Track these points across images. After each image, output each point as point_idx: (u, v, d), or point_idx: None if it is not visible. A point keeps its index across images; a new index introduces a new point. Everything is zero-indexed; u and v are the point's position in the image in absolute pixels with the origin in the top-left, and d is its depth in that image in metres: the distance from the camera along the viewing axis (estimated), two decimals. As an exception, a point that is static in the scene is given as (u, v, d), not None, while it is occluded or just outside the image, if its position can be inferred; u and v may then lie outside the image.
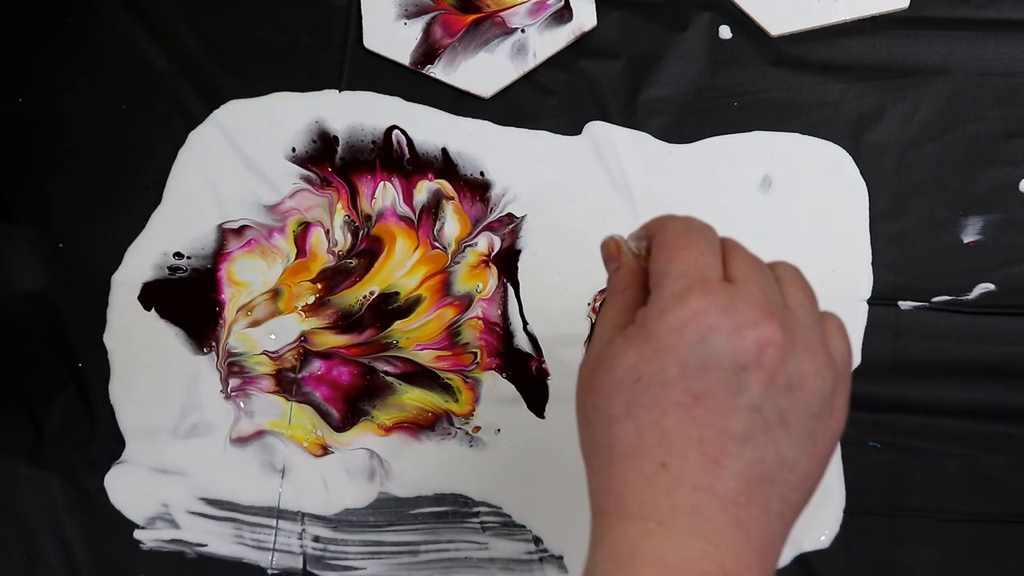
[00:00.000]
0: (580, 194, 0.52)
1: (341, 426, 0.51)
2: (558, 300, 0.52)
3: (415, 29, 0.53)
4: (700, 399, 0.31)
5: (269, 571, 0.51)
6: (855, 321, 0.50)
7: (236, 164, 0.53)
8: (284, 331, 0.52)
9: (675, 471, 0.31)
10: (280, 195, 0.53)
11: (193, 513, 0.51)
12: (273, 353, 0.52)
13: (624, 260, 0.36)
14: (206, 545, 0.51)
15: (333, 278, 0.52)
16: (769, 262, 0.35)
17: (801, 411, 0.32)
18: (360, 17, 0.54)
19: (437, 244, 0.52)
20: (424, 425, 0.51)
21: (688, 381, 0.31)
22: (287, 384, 0.52)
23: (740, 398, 0.31)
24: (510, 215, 0.52)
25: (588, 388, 0.33)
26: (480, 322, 0.52)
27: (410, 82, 0.53)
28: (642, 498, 0.31)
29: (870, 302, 0.51)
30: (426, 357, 0.52)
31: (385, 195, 0.53)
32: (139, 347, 0.52)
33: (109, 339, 0.52)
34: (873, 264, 0.51)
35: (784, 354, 0.31)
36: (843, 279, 0.51)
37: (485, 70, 0.53)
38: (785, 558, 0.49)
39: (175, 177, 0.53)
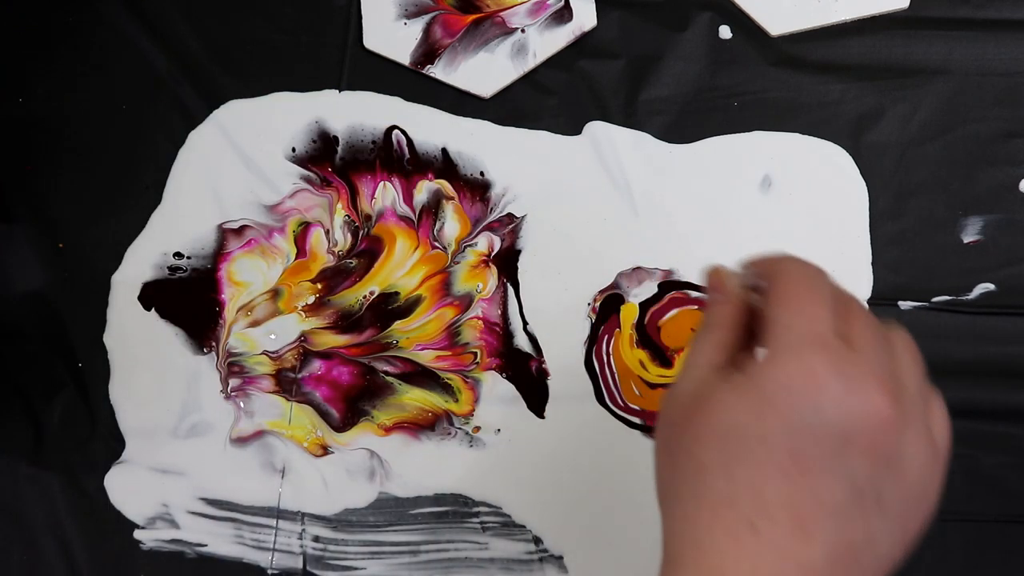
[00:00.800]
0: (580, 194, 0.52)
1: (341, 426, 0.51)
2: (558, 300, 0.52)
3: (415, 29, 0.53)
4: (801, 464, 0.29)
5: (269, 571, 0.51)
6: (855, 321, 0.50)
7: (236, 164, 0.53)
8: (284, 331, 0.52)
9: (764, 534, 0.29)
10: (280, 195, 0.53)
11: (193, 513, 0.51)
12: (273, 353, 0.52)
13: (729, 295, 0.34)
14: (206, 545, 0.51)
15: (333, 278, 0.52)
16: (885, 325, 0.33)
17: (900, 494, 0.30)
18: (360, 17, 0.54)
19: (437, 244, 0.52)
20: (424, 425, 0.51)
21: (792, 444, 0.29)
22: (287, 384, 0.52)
23: (841, 470, 0.29)
24: (510, 215, 0.52)
25: (682, 430, 0.31)
26: (480, 322, 0.52)
27: (410, 82, 0.53)
28: (724, 555, 0.29)
29: (870, 302, 0.51)
30: (426, 357, 0.52)
31: (385, 195, 0.53)
32: (139, 347, 0.52)
33: (109, 339, 0.52)
34: (873, 264, 0.51)
35: (894, 433, 0.30)
36: (843, 279, 0.50)
37: (485, 70, 0.53)
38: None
39: (175, 177, 0.53)
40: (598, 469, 0.49)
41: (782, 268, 0.33)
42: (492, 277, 0.52)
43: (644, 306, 0.51)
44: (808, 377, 0.29)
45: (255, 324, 0.52)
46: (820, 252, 0.51)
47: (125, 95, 0.54)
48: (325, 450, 0.51)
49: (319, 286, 0.52)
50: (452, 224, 0.52)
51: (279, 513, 0.51)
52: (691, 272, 0.52)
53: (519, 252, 0.52)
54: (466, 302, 0.52)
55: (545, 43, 0.53)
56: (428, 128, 0.53)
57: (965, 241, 0.51)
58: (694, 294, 0.51)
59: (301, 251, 0.53)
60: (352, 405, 0.52)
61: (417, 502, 0.51)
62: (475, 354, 0.52)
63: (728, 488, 0.30)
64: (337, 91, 0.53)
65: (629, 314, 0.51)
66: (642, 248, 0.52)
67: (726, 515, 0.30)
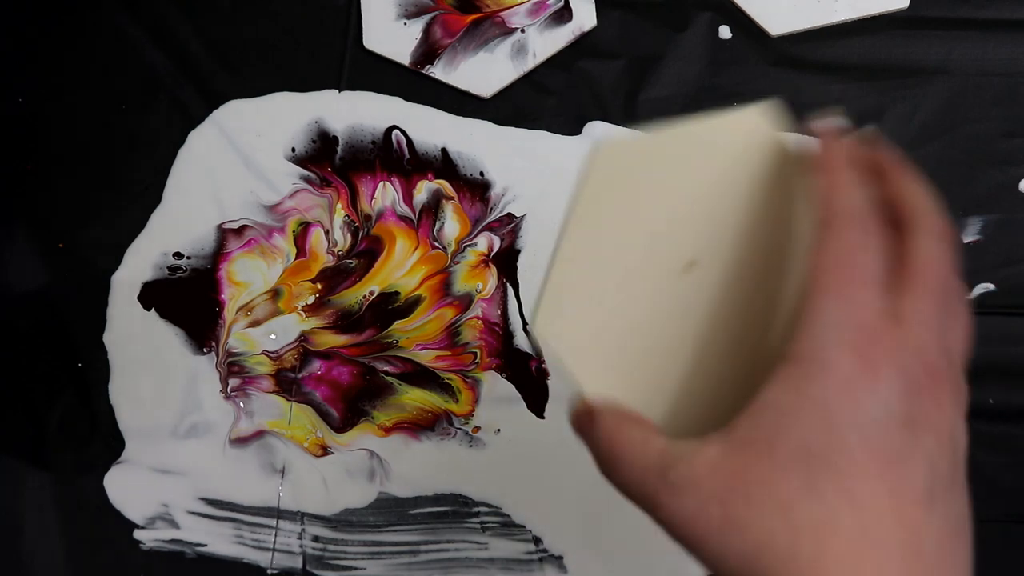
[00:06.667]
0: (580, 194, 0.52)
1: (341, 426, 0.51)
2: (558, 300, 0.52)
3: (415, 29, 0.53)
4: (884, 459, 0.28)
5: (269, 571, 0.51)
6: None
7: (236, 164, 0.53)
8: (284, 331, 0.52)
9: (876, 539, 0.27)
10: (280, 195, 0.53)
11: (193, 513, 0.51)
12: (273, 353, 0.52)
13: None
14: (206, 545, 0.51)
15: (333, 278, 0.52)
16: (950, 285, 0.31)
17: (963, 470, 0.29)
18: (360, 17, 0.54)
19: (437, 244, 0.52)
20: (424, 425, 0.51)
21: (869, 442, 0.27)
22: (287, 384, 0.52)
23: (917, 454, 0.28)
24: (510, 215, 0.52)
25: (742, 471, 0.28)
26: (480, 322, 0.52)
27: (410, 82, 0.53)
28: (844, 569, 0.27)
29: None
30: (426, 357, 0.52)
31: (385, 195, 0.53)
32: (139, 347, 0.52)
33: (109, 339, 0.52)
34: (873, 264, 0.51)
35: (951, 412, 0.29)
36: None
37: (485, 70, 0.53)
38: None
39: (175, 177, 0.53)
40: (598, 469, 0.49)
41: (829, 225, 0.30)
42: (492, 277, 0.52)
43: (644, 306, 0.51)
44: (862, 372, 0.28)
45: (255, 324, 0.52)
46: (820, 252, 0.51)
47: (125, 95, 0.54)
48: (325, 450, 0.51)
49: (319, 286, 0.52)
50: (452, 224, 0.52)
51: (279, 513, 0.51)
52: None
53: (519, 252, 0.52)
54: (466, 302, 0.52)
55: (545, 43, 0.53)
56: (428, 128, 0.53)
57: (965, 241, 0.51)
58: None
59: (301, 251, 0.53)
60: (352, 405, 0.52)
61: (417, 502, 0.51)
62: (475, 354, 0.52)
63: (824, 510, 0.28)
64: (337, 91, 0.53)
65: (629, 314, 0.51)
66: (642, 248, 0.52)
67: (831, 538, 0.27)
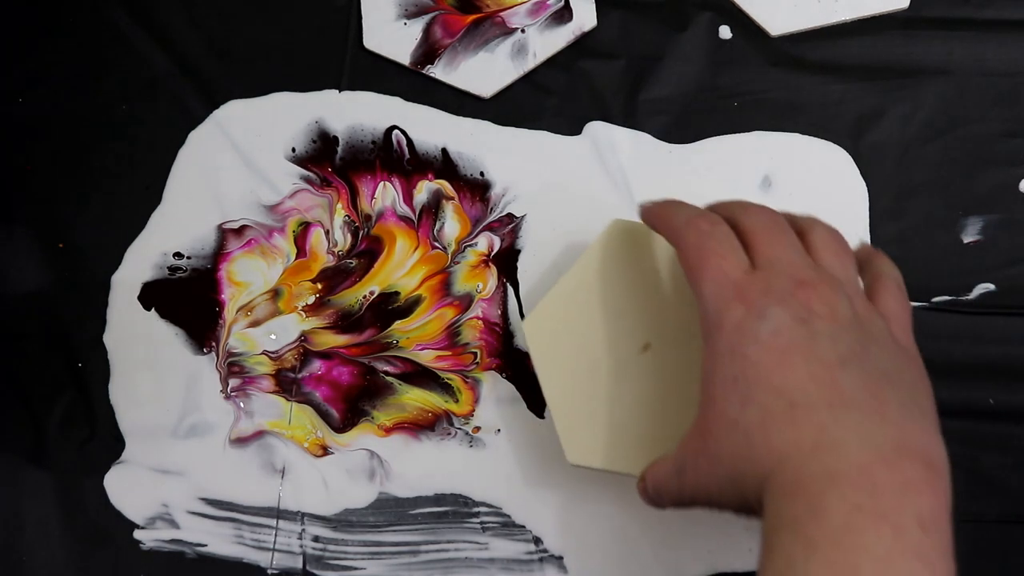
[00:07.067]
0: (580, 194, 0.52)
1: (341, 426, 0.51)
2: (558, 300, 0.52)
3: (415, 29, 0.53)
4: (787, 351, 0.35)
5: (269, 571, 0.51)
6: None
7: (236, 164, 0.53)
8: (284, 331, 0.52)
9: (803, 406, 0.34)
10: (280, 195, 0.53)
11: (193, 513, 0.51)
12: (273, 353, 0.52)
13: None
14: (206, 545, 0.51)
15: (333, 278, 0.52)
16: (802, 220, 0.40)
17: (876, 334, 0.36)
18: (360, 17, 0.54)
19: (437, 244, 0.52)
20: (424, 425, 0.51)
21: (769, 344, 0.35)
22: (287, 384, 0.52)
23: (819, 337, 0.35)
24: (510, 215, 0.52)
25: (734, 418, 0.36)
26: (480, 322, 0.52)
27: (410, 82, 0.53)
28: (799, 442, 0.34)
29: (870, 302, 0.51)
30: (426, 357, 0.52)
31: (385, 195, 0.53)
32: (139, 347, 0.52)
33: (109, 339, 0.52)
34: (873, 264, 0.51)
35: (835, 299, 0.36)
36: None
37: (485, 70, 0.53)
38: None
39: (175, 177, 0.53)
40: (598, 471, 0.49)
41: (677, 233, 0.39)
42: (492, 277, 0.52)
43: (644, 306, 0.52)
44: (747, 314, 0.36)
45: (255, 324, 0.52)
46: (820, 252, 0.51)
47: (125, 95, 0.54)
48: (325, 450, 0.51)
49: (319, 286, 0.52)
50: (452, 224, 0.52)
51: (279, 513, 0.51)
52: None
53: (519, 252, 0.52)
54: (466, 302, 0.52)
55: (545, 43, 0.53)
56: (428, 128, 0.53)
57: (965, 241, 0.51)
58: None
59: (301, 251, 0.53)
60: (352, 405, 0.52)
61: (417, 502, 0.51)
62: (475, 354, 0.52)
63: (761, 411, 0.35)
64: (337, 91, 0.53)
65: (629, 314, 0.52)
66: (642, 248, 0.52)
67: (771, 425, 0.34)
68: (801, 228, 0.40)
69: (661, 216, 0.41)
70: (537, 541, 0.50)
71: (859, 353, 0.35)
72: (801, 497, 0.32)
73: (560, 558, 0.50)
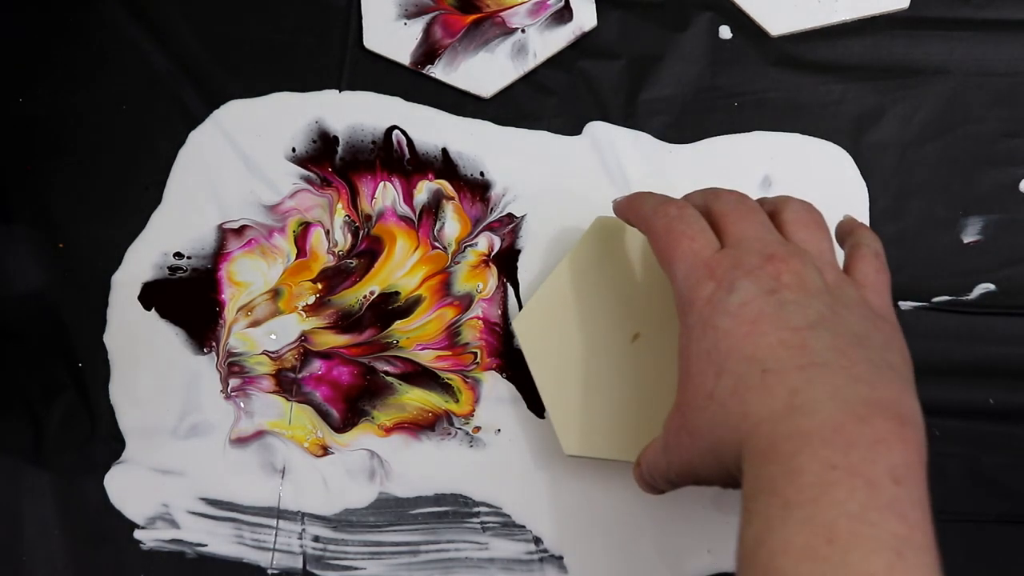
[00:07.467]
0: (580, 194, 0.52)
1: (341, 426, 0.51)
2: (558, 300, 0.52)
3: (415, 29, 0.53)
4: (757, 320, 0.36)
5: (269, 571, 0.51)
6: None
7: (236, 164, 0.53)
8: (284, 331, 0.52)
9: (774, 371, 0.35)
10: (280, 195, 0.53)
11: (193, 513, 0.51)
12: (273, 353, 0.52)
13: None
14: (206, 545, 0.51)
15: (333, 278, 0.52)
16: (775, 200, 0.41)
17: (847, 301, 0.37)
18: (360, 17, 0.54)
19: (437, 244, 0.52)
20: (424, 425, 0.51)
21: (739, 315, 0.36)
22: (287, 384, 0.52)
23: (787, 305, 0.36)
24: (510, 215, 0.52)
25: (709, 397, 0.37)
26: (480, 322, 0.52)
27: (410, 82, 0.53)
28: (772, 405, 0.34)
29: (870, 302, 0.51)
30: (426, 357, 0.52)
31: (385, 195, 0.53)
32: (139, 347, 0.52)
33: (109, 339, 0.52)
34: (873, 264, 0.51)
35: (804, 269, 0.37)
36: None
37: (485, 70, 0.53)
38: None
39: (175, 177, 0.53)
40: (598, 469, 0.49)
41: (646, 222, 0.41)
42: (492, 277, 0.52)
43: (644, 306, 0.52)
44: (717, 288, 0.37)
45: (255, 324, 0.52)
46: (820, 252, 0.51)
47: (125, 95, 0.54)
48: (325, 450, 0.51)
49: (319, 286, 0.52)
50: (452, 224, 0.52)
51: (279, 513, 0.51)
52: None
53: (519, 252, 0.52)
54: (466, 302, 0.52)
55: (545, 43, 0.53)
56: (428, 128, 0.53)
57: (965, 241, 0.51)
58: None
59: (301, 251, 0.53)
60: (352, 405, 0.52)
61: (417, 502, 0.51)
62: (475, 354, 0.52)
63: (735, 378, 0.35)
64: (337, 91, 0.53)
65: (629, 314, 0.52)
66: (642, 248, 0.52)
67: (748, 394, 0.35)
68: (775, 207, 0.41)
69: (631, 207, 0.43)
70: (537, 541, 0.50)
71: (828, 317, 0.36)
72: (776, 459, 0.33)
73: (560, 558, 0.50)
